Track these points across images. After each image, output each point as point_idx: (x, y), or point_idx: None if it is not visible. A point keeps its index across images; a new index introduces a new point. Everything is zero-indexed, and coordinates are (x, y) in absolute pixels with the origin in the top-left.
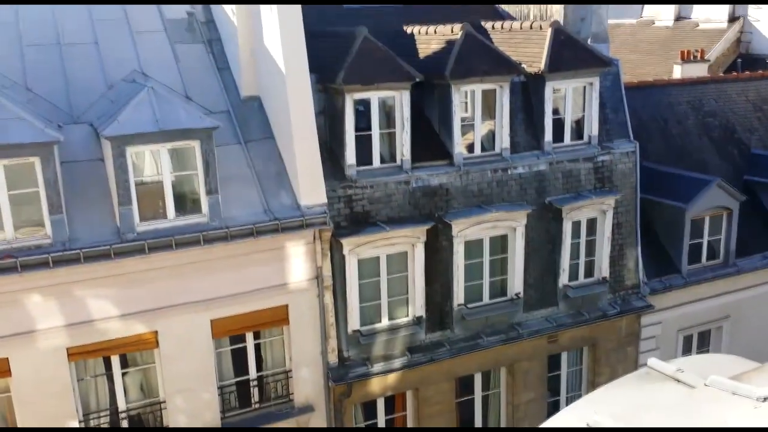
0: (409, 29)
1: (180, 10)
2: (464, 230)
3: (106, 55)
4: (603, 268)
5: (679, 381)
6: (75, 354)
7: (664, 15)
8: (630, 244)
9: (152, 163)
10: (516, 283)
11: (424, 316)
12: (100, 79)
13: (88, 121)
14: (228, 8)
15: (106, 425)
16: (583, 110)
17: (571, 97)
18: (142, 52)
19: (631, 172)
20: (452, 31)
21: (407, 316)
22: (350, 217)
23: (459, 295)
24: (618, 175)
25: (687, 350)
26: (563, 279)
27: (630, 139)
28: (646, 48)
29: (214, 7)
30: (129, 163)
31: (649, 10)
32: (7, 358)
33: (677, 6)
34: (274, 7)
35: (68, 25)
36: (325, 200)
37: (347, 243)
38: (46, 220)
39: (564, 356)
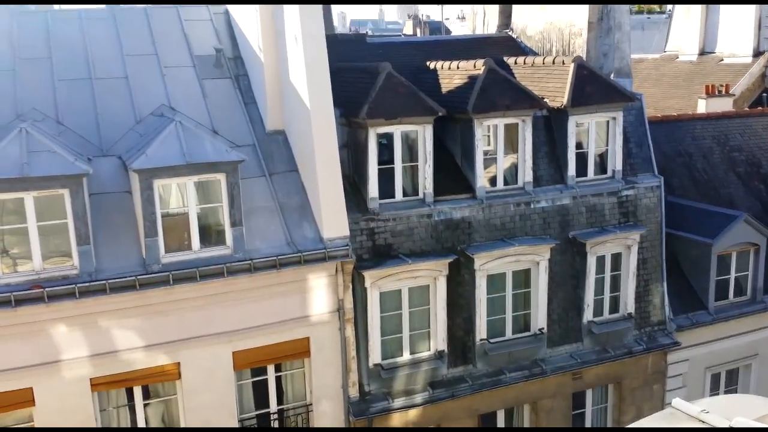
0: (431, 65)
1: (209, 47)
2: (487, 264)
3: (136, 89)
4: (628, 304)
5: (703, 422)
6: (98, 384)
7: (688, 49)
8: (655, 279)
9: (178, 195)
10: (539, 318)
11: (446, 350)
12: (129, 113)
13: (116, 154)
14: (255, 44)
15: None
16: (607, 144)
17: (595, 132)
18: (171, 87)
19: (656, 207)
20: (475, 67)
21: (429, 350)
22: (372, 250)
23: (481, 330)
24: (643, 210)
25: (715, 389)
26: (588, 314)
27: (654, 173)
28: (670, 82)
29: (241, 43)
30: (156, 195)
31: (673, 44)
32: (32, 388)
33: (701, 40)
34: (300, 43)
35: (100, 61)
36: (348, 233)
37: (369, 276)
38: (73, 251)
39: (589, 394)
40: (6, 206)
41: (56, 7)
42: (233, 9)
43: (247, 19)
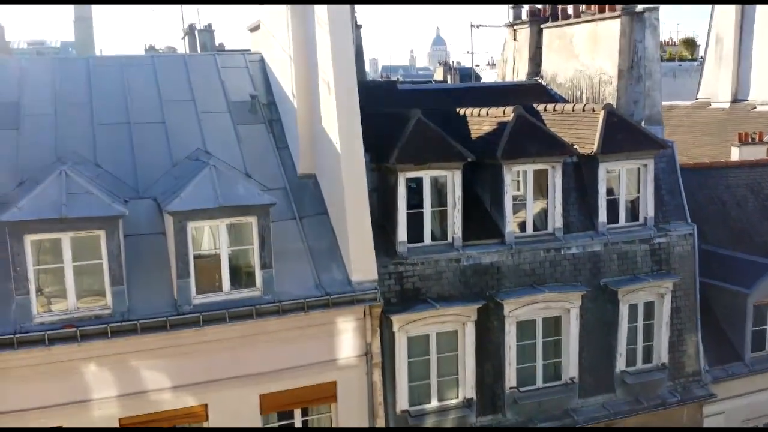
0: (461, 111)
1: (244, 93)
2: (516, 310)
3: (173, 133)
4: (662, 354)
5: None
6: (127, 425)
7: (720, 97)
8: (690, 329)
9: (210, 237)
10: (571, 367)
11: (474, 398)
12: (166, 156)
13: (152, 196)
14: (288, 91)
15: None
16: (638, 191)
17: (626, 179)
18: (207, 132)
19: (689, 255)
20: (504, 113)
21: (457, 397)
22: (400, 294)
23: (511, 378)
24: (676, 258)
25: None
26: (620, 364)
27: (687, 221)
28: (703, 130)
29: (275, 90)
30: (189, 237)
31: (705, 91)
32: (60, 426)
33: (733, 88)
34: (333, 91)
35: (138, 106)
36: (376, 276)
37: (397, 320)
38: (107, 291)
39: None
40: (43, 246)
41: (98, 53)
42: (268, 57)
43: (282, 67)
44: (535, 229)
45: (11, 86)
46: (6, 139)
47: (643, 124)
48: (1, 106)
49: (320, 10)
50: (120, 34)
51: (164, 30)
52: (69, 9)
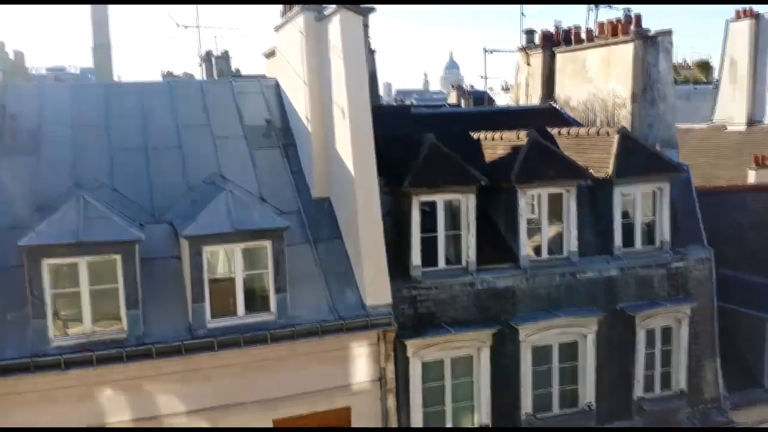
0: (475, 135)
1: (259, 118)
2: (532, 335)
3: (189, 158)
4: (680, 380)
5: None
6: None
7: (736, 119)
8: (708, 354)
9: (225, 261)
10: (588, 393)
11: (490, 424)
12: (182, 181)
13: (168, 221)
14: (303, 116)
15: None
16: (654, 215)
17: (641, 202)
18: (222, 156)
19: (706, 279)
20: (518, 137)
21: (472, 423)
22: (415, 318)
23: (527, 404)
24: (693, 282)
25: None
26: (638, 390)
27: (704, 244)
28: (719, 153)
29: (290, 114)
30: (204, 261)
31: (720, 114)
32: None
33: (749, 110)
34: (347, 115)
35: (155, 131)
36: (390, 300)
37: (411, 345)
38: (123, 315)
39: None
40: (60, 270)
41: (116, 79)
42: (283, 82)
43: (296, 92)
44: (550, 253)
45: (31, 112)
46: (25, 164)
47: (658, 147)
48: (20, 132)
49: (334, 36)
50: (138, 60)
51: (181, 56)
52: (88, 35)
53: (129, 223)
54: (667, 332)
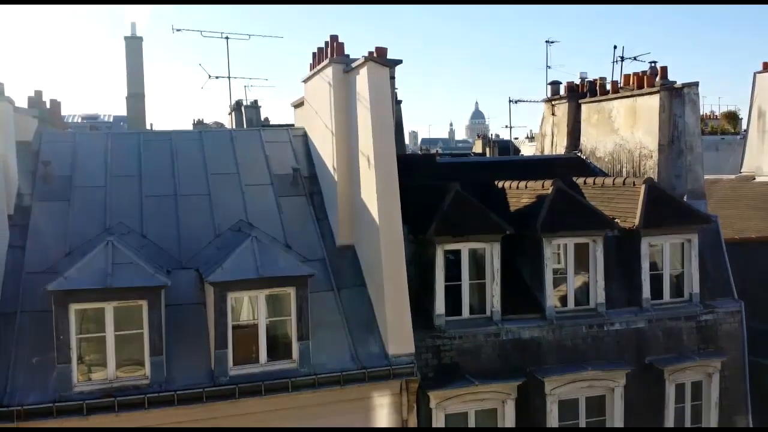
0: (500, 184)
1: (287, 166)
2: (558, 388)
3: (217, 205)
4: None
5: None
6: None
7: (765, 170)
8: (740, 411)
9: (249, 307)
10: None
11: None
12: (209, 227)
13: (194, 267)
14: (330, 164)
15: None
16: (683, 266)
17: (669, 253)
18: (250, 204)
19: (737, 333)
20: (543, 186)
21: None
22: (438, 369)
23: None
24: (723, 336)
25: None
26: None
27: (734, 297)
28: (748, 204)
29: (317, 163)
30: (228, 307)
31: (749, 165)
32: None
33: None
34: (373, 164)
35: (185, 178)
36: (413, 350)
37: (434, 396)
38: (146, 361)
39: None
40: (86, 315)
41: (149, 126)
42: (311, 131)
43: (323, 141)
44: (577, 303)
45: (65, 159)
46: (57, 210)
47: (685, 198)
48: (55, 179)
49: (362, 87)
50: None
51: (213, 105)
52: (122, 85)
53: (156, 269)
54: (697, 387)
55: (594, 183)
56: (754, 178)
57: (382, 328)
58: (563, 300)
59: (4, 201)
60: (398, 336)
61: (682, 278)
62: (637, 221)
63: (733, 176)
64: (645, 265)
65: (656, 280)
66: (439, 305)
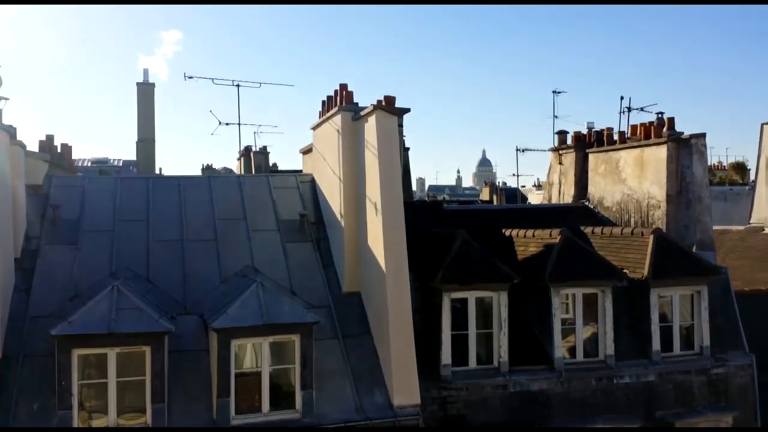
0: (507, 232)
1: (294, 212)
2: None
3: (224, 251)
4: None
5: None
6: None
7: None
8: None
9: (253, 355)
10: None
11: None
12: (215, 273)
13: (199, 313)
14: (337, 210)
15: None
16: (692, 318)
17: (679, 305)
18: (256, 249)
19: (749, 387)
20: (551, 235)
21: None
22: (444, 421)
23: None
24: (734, 390)
25: None
26: None
27: (746, 350)
28: (758, 255)
29: (324, 209)
30: (232, 355)
31: (758, 216)
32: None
33: None
34: (380, 211)
35: (193, 224)
36: (419, 401)
37: None
38: (147, 408)
39: None
40: (89, 360)
41: (158, 171)
42: (319, 177)
43: (331, 187)
44: (586, 355)
45: (74, 203)
46: (64, 253)
47: (694, 249)
48: (62, 222)
49: (370, 135)
50: (179, 153)
51: (222, 150)
52: (133, 129)
53: (160, 314)
54: None
55: (602, 232)
56: (764, 229)
57: (387, 378)
58: (572, 351)
59: (12, 245)
60: (404, 386)
61: (692, 330)
62: (646, 272)
63: (741, 227)
64: (654, 317)
65: (666, 332)
66: (446, 355)
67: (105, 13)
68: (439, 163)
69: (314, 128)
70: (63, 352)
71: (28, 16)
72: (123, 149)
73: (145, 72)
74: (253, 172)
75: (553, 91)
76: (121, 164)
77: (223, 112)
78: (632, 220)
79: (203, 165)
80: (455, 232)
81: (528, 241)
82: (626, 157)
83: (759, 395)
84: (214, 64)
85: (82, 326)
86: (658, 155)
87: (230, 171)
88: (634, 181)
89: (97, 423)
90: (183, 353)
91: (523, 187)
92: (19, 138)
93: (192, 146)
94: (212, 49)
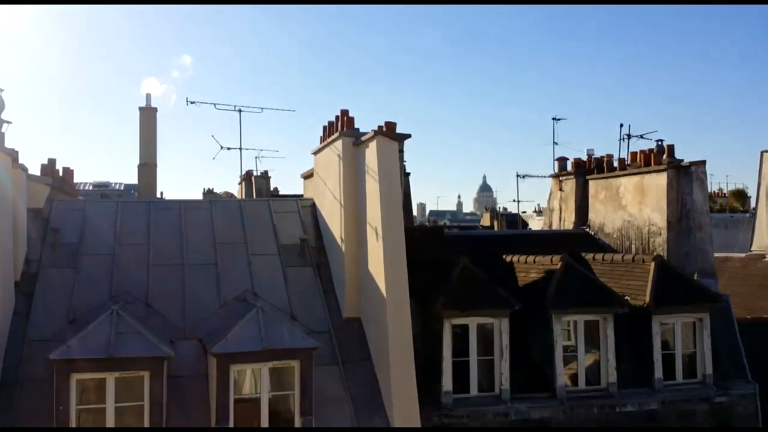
0: (508, 258)
1: (294, 236)
2: None
3: (224, 275)
4: None
5: None
6: None
7: None
8: None
9: (252, 380)
10: None
11: None
12: (214, 297)
13: (198, 337)
14: (338, 235)
15: None
16: (695, 346)
17: (681, 333)
18: (256, 274)
19: (752, 416)
20: (552, 262)
21: None
22: None
23: None
24: (738, 419)
25: None
26: None
27: (748, 378)
28: (759, 282)
29: (325, 234)
30: (231, 381)
31: (759, 243)
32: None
33: None
34: (381, 236)
35: (193, 247)
36: (419, 428)
37: None
38: None
39: None
40: (87, 385)
41: (159, 195)
42: (320, 202)
43: (332, 212)
44: (588, 383)
45: (74, 227)
46: (64, 277)
47: (695, 276)
48: (63, 246)
49: (371, 160)
50: (181, 177)
51: (223, 175)
52: (135, 153)
53: (159, 339)
54: None
55: (603, 259)
56: (765, 257)
57: (387, 405)
58: (574, 378)
59: (12, 268)
60: (404, 413)
61: (694, 358)
62: (647, 299)
63: (743, 254)
64: (657, 344)
65: (668, 360)
66: (447, 382)
67: (112, 36)
68: (440, 189)
69: (315, 153)
70: (61, 377)
71: (33, 41)
72: (125, 173)
73: (148, 96)
74: (254, 197)
75: (553, 118)
76: (122, 188)
77: (225, 137)
78: (633, 246)
79: (204, 189)
80: (456, 259)
81: (529, 267)
82: (626, 184)
83: (762, 423)
84: (223, 89)
85: (80, 351)
86: (658, 182)
87: (231, 195)
88: (634, 207)
89: None
90: (182, 378)
91: (524, 212)
92: (21, 161)
93: (194, 170)
94: (221, 73)
